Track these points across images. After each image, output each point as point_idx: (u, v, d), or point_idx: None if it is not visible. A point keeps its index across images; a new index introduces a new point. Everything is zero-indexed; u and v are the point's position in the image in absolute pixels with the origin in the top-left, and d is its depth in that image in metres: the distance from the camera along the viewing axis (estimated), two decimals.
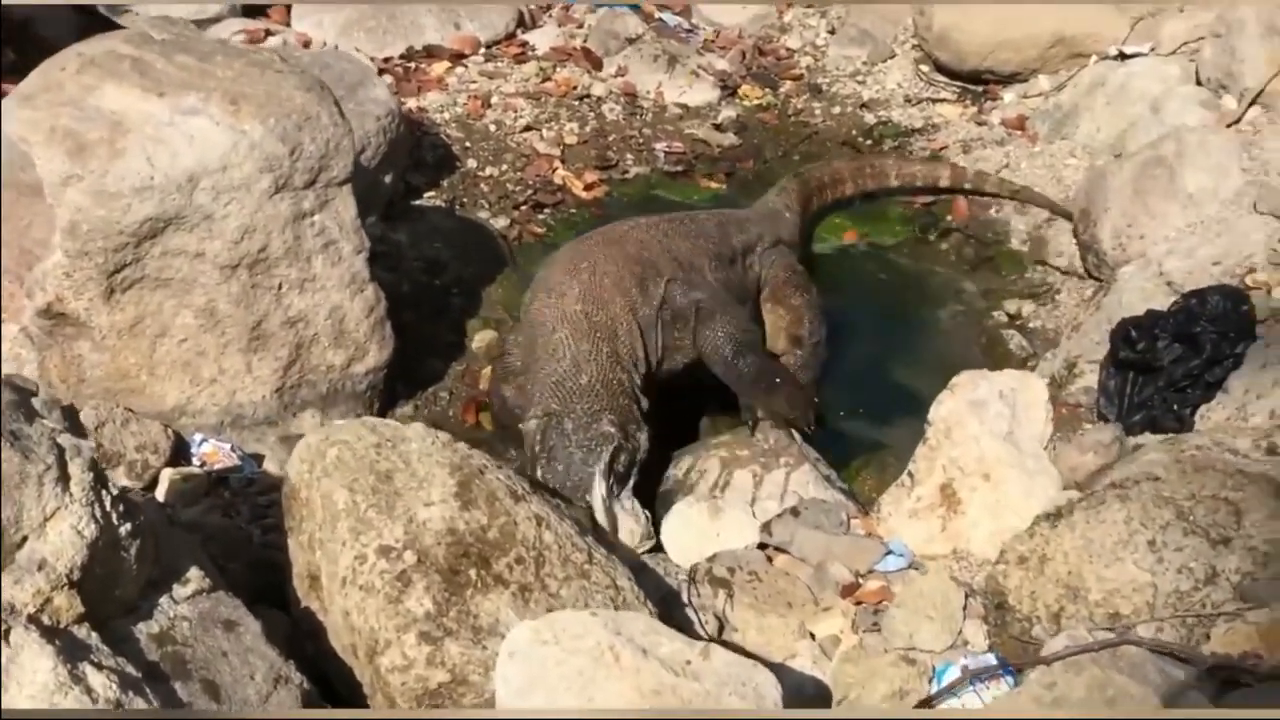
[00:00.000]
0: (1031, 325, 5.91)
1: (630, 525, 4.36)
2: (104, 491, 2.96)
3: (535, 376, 4.83)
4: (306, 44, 7.52)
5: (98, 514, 2.92)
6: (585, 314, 4.89)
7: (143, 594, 3.12)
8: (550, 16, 8.43)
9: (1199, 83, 6.52)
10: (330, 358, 4.97)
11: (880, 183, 6.88)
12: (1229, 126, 5.99)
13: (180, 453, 4.63)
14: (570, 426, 4.58)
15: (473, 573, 3.34)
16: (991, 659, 3.50)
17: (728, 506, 4.30)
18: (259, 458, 4.79)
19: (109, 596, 3.01)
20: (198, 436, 4.72)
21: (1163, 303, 5.23)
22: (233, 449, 4.71)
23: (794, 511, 4.18)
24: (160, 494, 4.40)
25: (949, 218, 6.70)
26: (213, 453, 4.68)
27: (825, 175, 6.75)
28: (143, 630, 3.05)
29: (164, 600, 3.13)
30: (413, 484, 3.46)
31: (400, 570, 3.31)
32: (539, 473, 4.51)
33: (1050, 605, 3.58)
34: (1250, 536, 3.45)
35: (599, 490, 4.38)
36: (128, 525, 3.02)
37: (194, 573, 3.23)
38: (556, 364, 4.78)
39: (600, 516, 4.32)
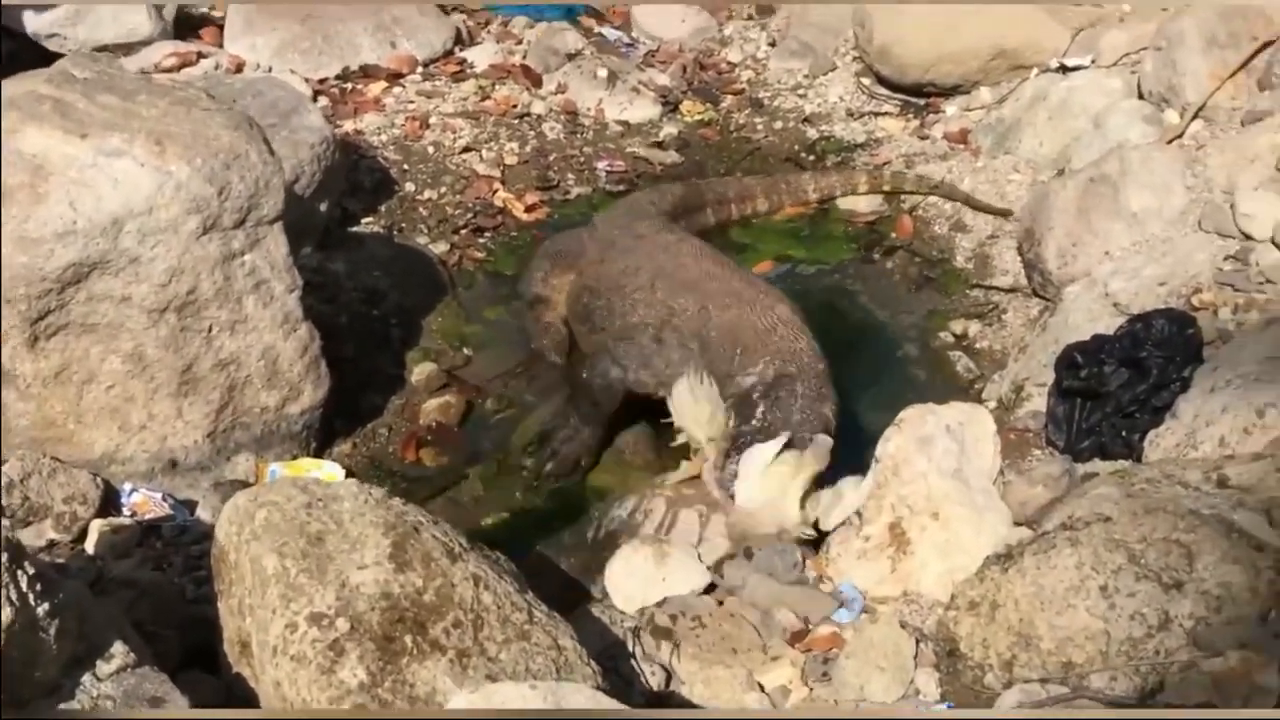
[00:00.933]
0: (978, 346, 5.85)
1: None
2: (20, 571, 2.85)
3: (750, 339, 5.02)
4: (239, 66, 7.38)
5: (13, 596, 2.81)
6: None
7: (65, 672, 3.01)
8: (489, 33, 8.34)
9: (1141, 96, 6.47)
10: (264, 399, 4.85)
11: (797, 198, 6.90)
12: (1171, 141, 5.94)
13: (110, 502, 4.51)
14: (801, 390, 4.77)
15: (408, 639, 3.23)
16: (943, 710, 3.43)
17: (674, 549, 4.20)
18: (192, 505, 4.67)
19: (28, 679, 2.89)
20: (128, 485, 4.60)
21: (1109, 323, 5.18)
22: (164, 497, 4.59)
23: (747, 553, 4.10)
24: (90, 546, 4.27)
25: (893, 235, 6.64)
26: (143, 502, 4.55)
27: (730, 191, 6.78)
28: (65, 712, 2.94)
29: (87, 678, 3.02)
30: (345, 546, 3.35)
31: (333, 639, 3.19)
32: (744, 416, 4.74)
33: (1002, 653, 3.51)
34: (1203, 580, 3.39)
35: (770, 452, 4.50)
36: (46, 604, 2.90)
37: (118, 647, 3.12)
38: (791, 338, 5.01)
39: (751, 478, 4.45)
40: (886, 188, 6.90)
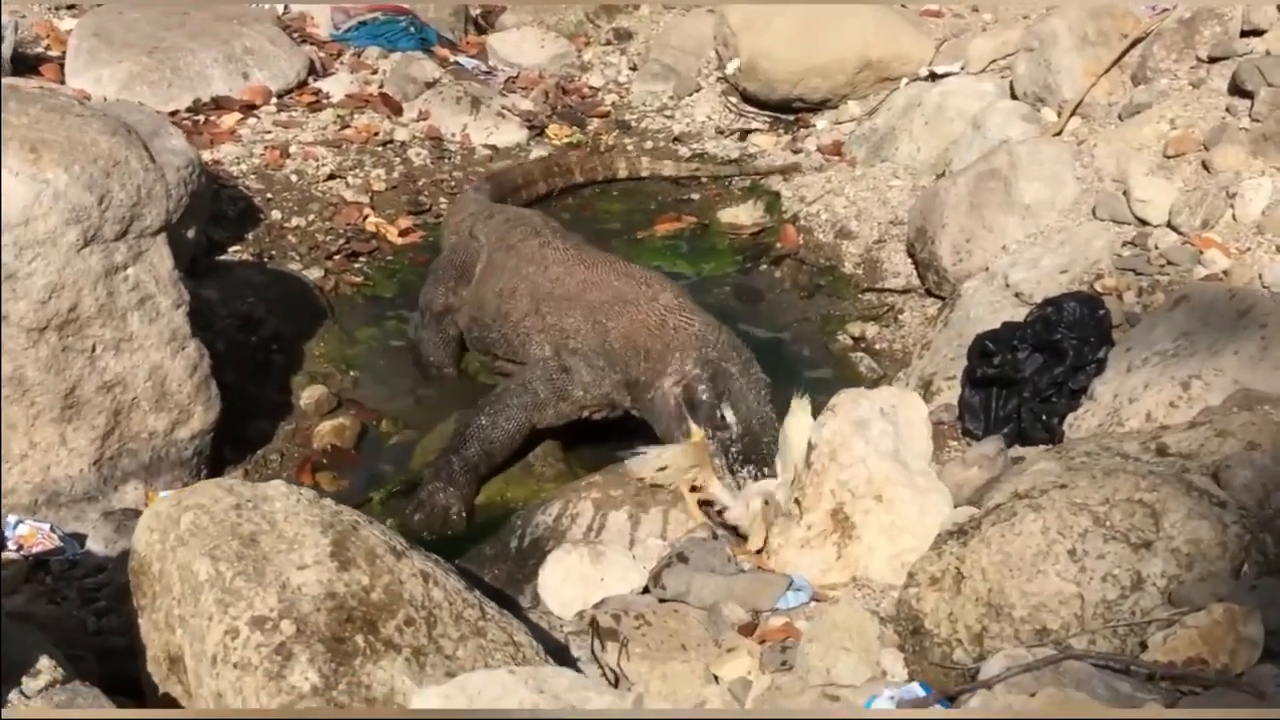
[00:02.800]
0: (878, 346, 5.81)
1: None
2: None
3: (648, 340, 4.94)
4: (85, 101, 7.05)
5: None
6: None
7: None
8: (342, 64, 8.13)
9: (1015, 97, 6.51)
10: (152, 423, 4.57)
11: (568, 179, 7.13)
12: (1053, 138, 5.97)
13: None
14: (736, 371, 4.74)
15: (360, 639, 3.01)
16: (917, 689, 3.29)
17: (608, 550, 4.03)
18: (81, 537, 4.36)
19: None
20: (11, 518, 4.27)
21: (1012, 314, 5.17)
22: (52, 529, 4.28)
23: (681, 557, 3.92)
24: None
25: (779, 245, 6.58)
26: (29, 535, 4.23)
27: (518, 176, 6.91)
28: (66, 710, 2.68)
29: (14, 696, 2.75)
30: (282, 546, 3.12)
31: (279, 642, 2.96)
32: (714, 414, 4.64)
33: (971, 626, 3.39)
34: (1172, 538, 3.31)
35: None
36: None
37: (45, 663, 2.86)
38: (685, 324, 4.92)
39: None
40: (645, 173, 7.23)
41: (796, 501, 4.04)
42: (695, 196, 7.13)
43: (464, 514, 4.83)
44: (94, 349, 4.39)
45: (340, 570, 3.10)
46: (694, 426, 4.64)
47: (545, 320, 5.23)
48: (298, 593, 3.04)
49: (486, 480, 5.00)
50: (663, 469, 4.53)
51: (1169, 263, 5.05)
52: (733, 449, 4.54)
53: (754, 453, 4.52)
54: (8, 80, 6.73)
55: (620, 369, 4.98)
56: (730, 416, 4.61)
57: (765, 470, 4.43)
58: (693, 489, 4.48)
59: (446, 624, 3.13)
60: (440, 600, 3.16)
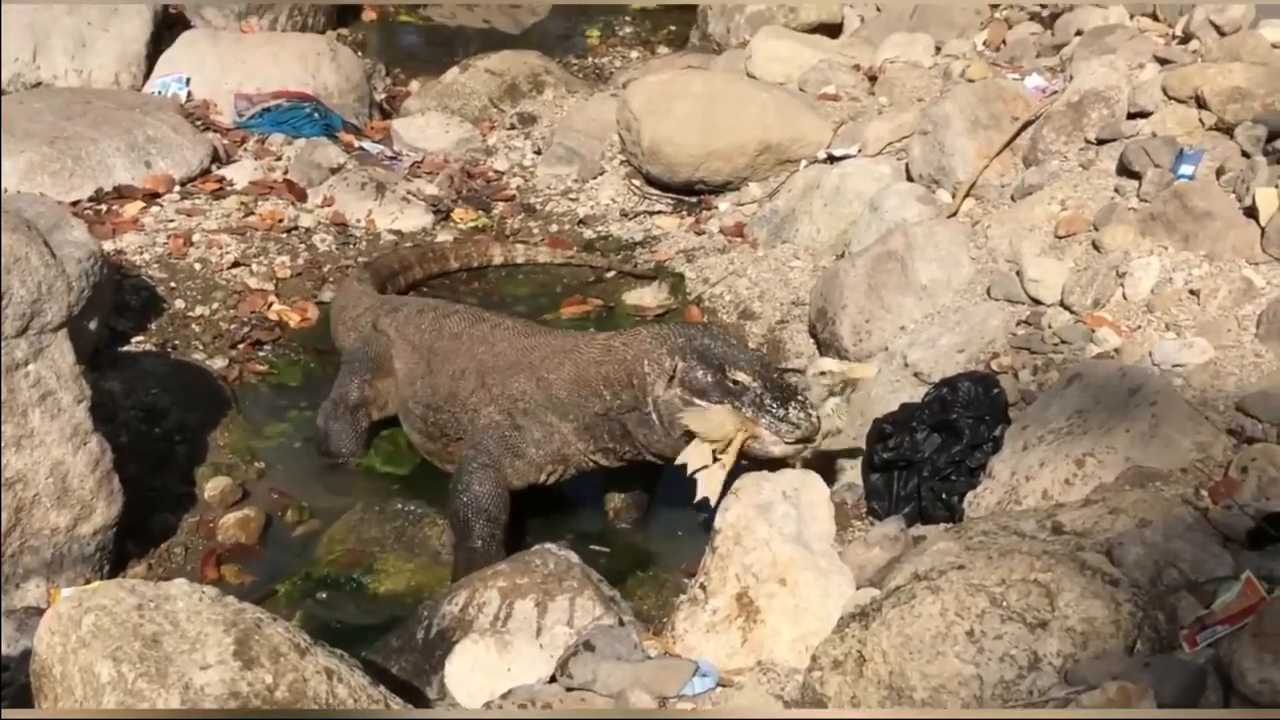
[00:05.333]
0: None
1: None
2: None
3: (599, 372, 5.04)
4: None
5: None
6: None
7: None
8: (246, 150, 8.15)
9: (910, 179, 6.64)
10: (54, 519, 4.52)
11: (443, 265, 7.21)
12: (948, 219, 6.10)
13: None
14: (709, 340, 4.92)
15: None
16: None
17: (515, 639, 4.03)
18: None
19: None
20: None
21: (911, 393, 5.26)
22: None
23: (588, 645, 3.93)
24: None
25: None
26: None
27: (395, 262, 6.95)
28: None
29: None
30: (184, 646, 3.11)
31: None
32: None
33: (873, 709, 3.43)
34: (1066, 617, 3.38)
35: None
36: None
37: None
38: (632, 341, 5.05)
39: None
40: (520, 260, 7.41)
41: (702, 586, 4.08)
42: (603, 279, 7.18)
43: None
44: None
45: (244, 669, 3.09)
46: (715, 407, 4.76)
47: (492, 392, 5.29)
48: (200, 693, 3.03)
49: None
50: (705, 432, 4.75)
51: (1062, 341, 5.16)
52: (766, 399, 4.72)
53: (784, 390, 4.78)
54: None
55: (575, 414, 5.05)
56: (742, 376, 4.74)
57: (801, 398, 4.78)
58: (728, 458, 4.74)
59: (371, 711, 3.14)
60: (345, 697, 3.16)
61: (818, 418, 4.77)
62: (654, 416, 4.89)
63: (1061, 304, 5.33)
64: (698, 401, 4.78)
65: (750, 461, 4.74)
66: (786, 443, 4.73)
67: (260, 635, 3.19)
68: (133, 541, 4.96)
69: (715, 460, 4.74)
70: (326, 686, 3.15)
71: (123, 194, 7.36)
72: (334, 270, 7.02)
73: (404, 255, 7.08)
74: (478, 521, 5.01)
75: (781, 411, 4.70)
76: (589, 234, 7.57)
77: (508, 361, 5.28)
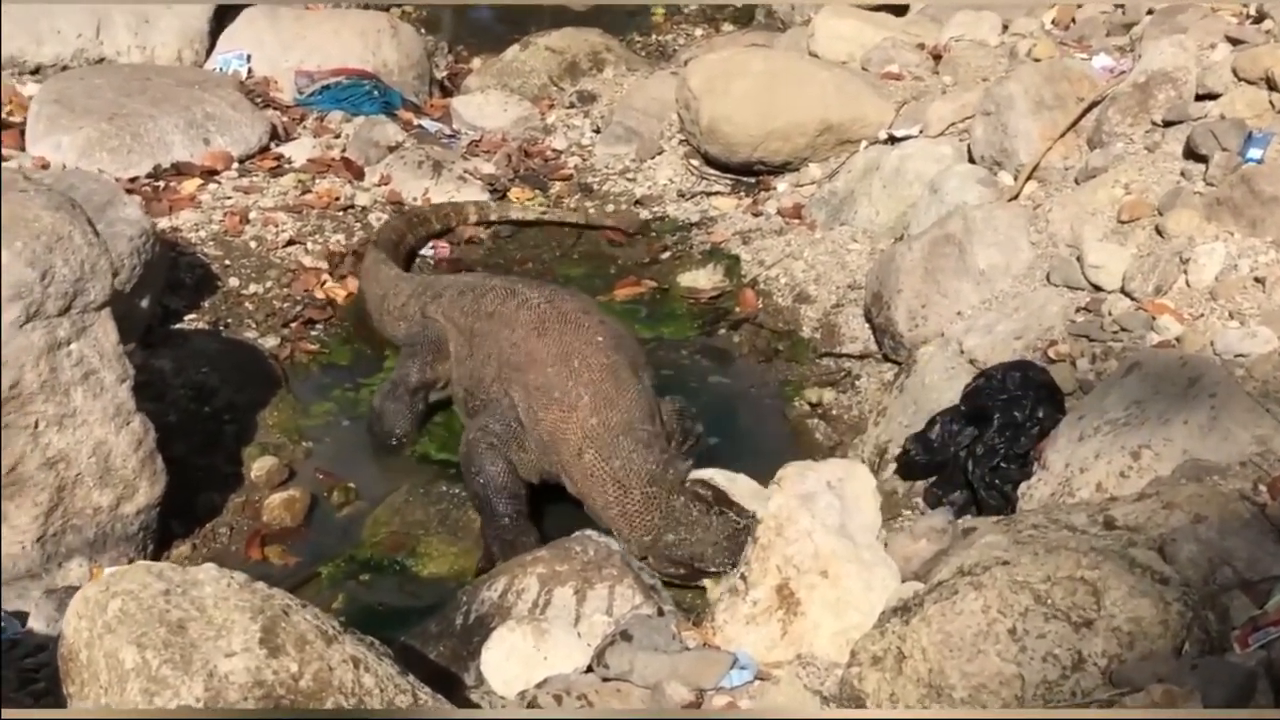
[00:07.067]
0: (834, 413, 5.78)
1: None
2: None
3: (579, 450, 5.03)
4: (45, 167, 7.03)
5: None
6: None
7: None
8: (304, 128, 8.13)
9: (973, 160, 6.52)
10: (96, 499, 4.52)
11: (427, 228, 7.19)
12: (1009, 202, 5.97)
13: None
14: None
15: None
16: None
17: (552, 627, 3.98)
18: (22, 616, 4.30)
19: None
20: None
21: (966, 380, 5.15)
22: None
23: (625, 635, 3.87)
24: None
25: (737, 309, 6.57)
26: None
27: (391, 234, 6.90)
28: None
29: None
30: (210, 633, 3.07)
31: None
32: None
33: (912, 706, 3.35)
34: (1113, 616, 3.28)
35: None
36: None
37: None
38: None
39: None
40: (493, 217, 7.43)
41: (743, 577, 4.01)
42: (657, 260, 7.12)
43: (539, 540, 4.89)
44: (36, 425, 4.35)
45: (269, 657, 3.05)
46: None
47: (504, 385, 5.27)
48: (225, 681, 2.99)
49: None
50: None
51: (1122, 329, 5.04)
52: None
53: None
54: None
55: (543, 460, 5.11)
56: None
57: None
58: None
59: (377, 711, 3.09)
60: (371, 686, 3.11)
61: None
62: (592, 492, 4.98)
63: (1122, 291, 5.20)
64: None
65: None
66: None
67: (287, 622, 3.14)
68: (178, 521, 4.97)
69: None
70: (353, 675, 3.10)
71: (181, 171, 7.36)
72: None
73: (395, 225, 7.04)
74: (499, 499, 5.00)
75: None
76: (645, 214, 7.48)
77: (517, 362, 5.27)
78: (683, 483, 4.82)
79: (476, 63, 9.75)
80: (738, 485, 4.77)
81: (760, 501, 4.44)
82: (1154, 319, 5.00)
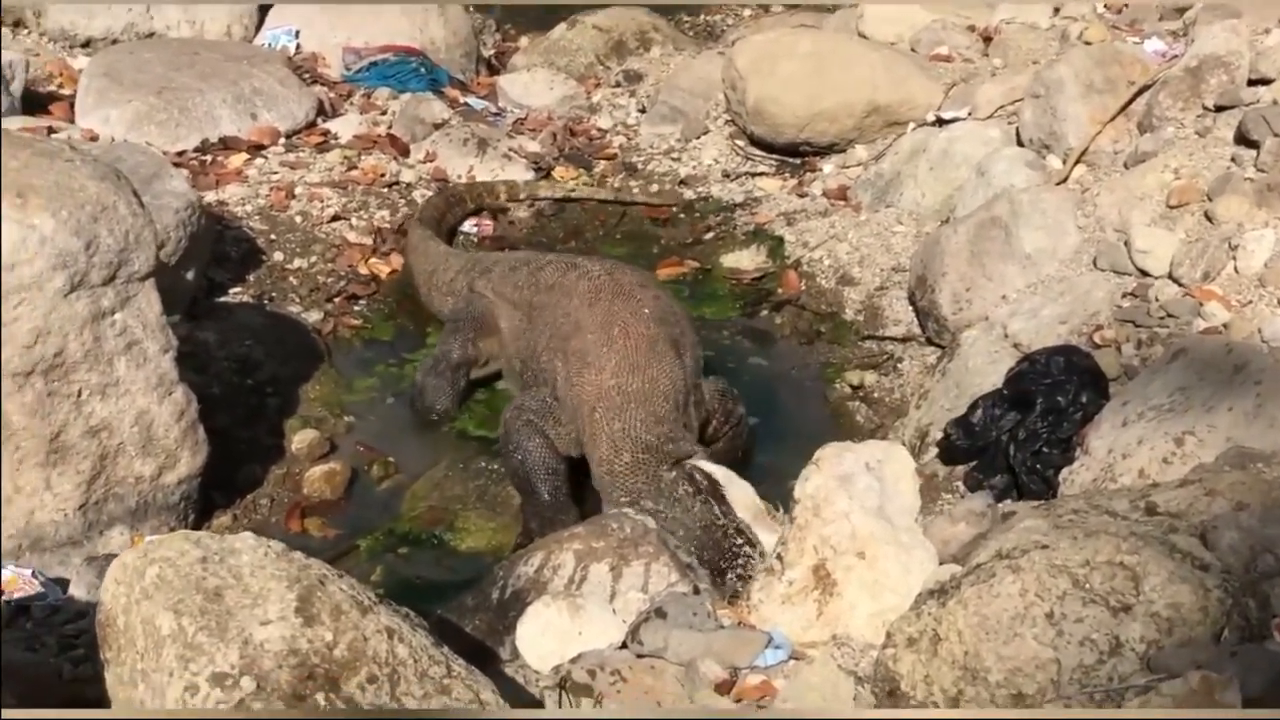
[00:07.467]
0: (876, 395, 5.77)
1: None
2: None
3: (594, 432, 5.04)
4: (93, 139, 7.08)
5: None
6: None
7: None
8: (351, 105, 8.14)
9: (1021, 144, 6.47)
10: (138, 468, 4.56)
11: (464, 206, 7.20)
12: (1056, 186, 5.92)
13: None
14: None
15: (320, 697, 2.97)
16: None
17: (587, 603, 3.98)
18: (64, 583, 4.35)
19: None
20: None
21: (1010, 364, 5.12)
22: (34, 575, 4.28)
23: (660, 612, 3.87)
24: None
25: (780, 291, 6.54)
26: (11, 580, 4.23)
27: (433, 210, 6.93)
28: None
29: None
30: (246, 601, 3.09)
31: (238, 700, 2.92)
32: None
33: (947, 689, 3.33)
34: (1152, 602, 3.25)
35: None
36: None
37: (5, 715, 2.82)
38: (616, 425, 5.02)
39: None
40: (523, 196, 7.43)
41: (779, 557, 4.00)
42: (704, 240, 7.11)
43: (578, 518, 4.88)
44: (80, 394, 4.38)
45: (304, 626, 3.06)
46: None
47: (551, 356, 5.34)
48: (260, 649, 3.00)
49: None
50: None
51: (1169, 315, 5.00)
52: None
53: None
54: (10, 120, 6.77)
55: (574, 428, 5.11)
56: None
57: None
58: None
59: (410, 682, 3.09)
60: (405, 657, 3.12)
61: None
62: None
63: (1170, 276, 5.16)
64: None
65: None
66: None
67: (323, 592, 3.15)
68: (219, 492, 5.01)
69: None
70: (387, 645, 3.11)
71: (228, 145, 7.39)
72: None
73: (435, 202, 7.06)
74: (537, 476, 5.02)
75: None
76: (689, 194, 7.47)
77: (566, 329, 5.30)
78: (679, 461, 4.79)
79: (524, 41, 9.74)
80: (734, 487, 4.67)
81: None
82: (1201, 305, 4.95)
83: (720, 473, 4.70)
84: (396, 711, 2.98)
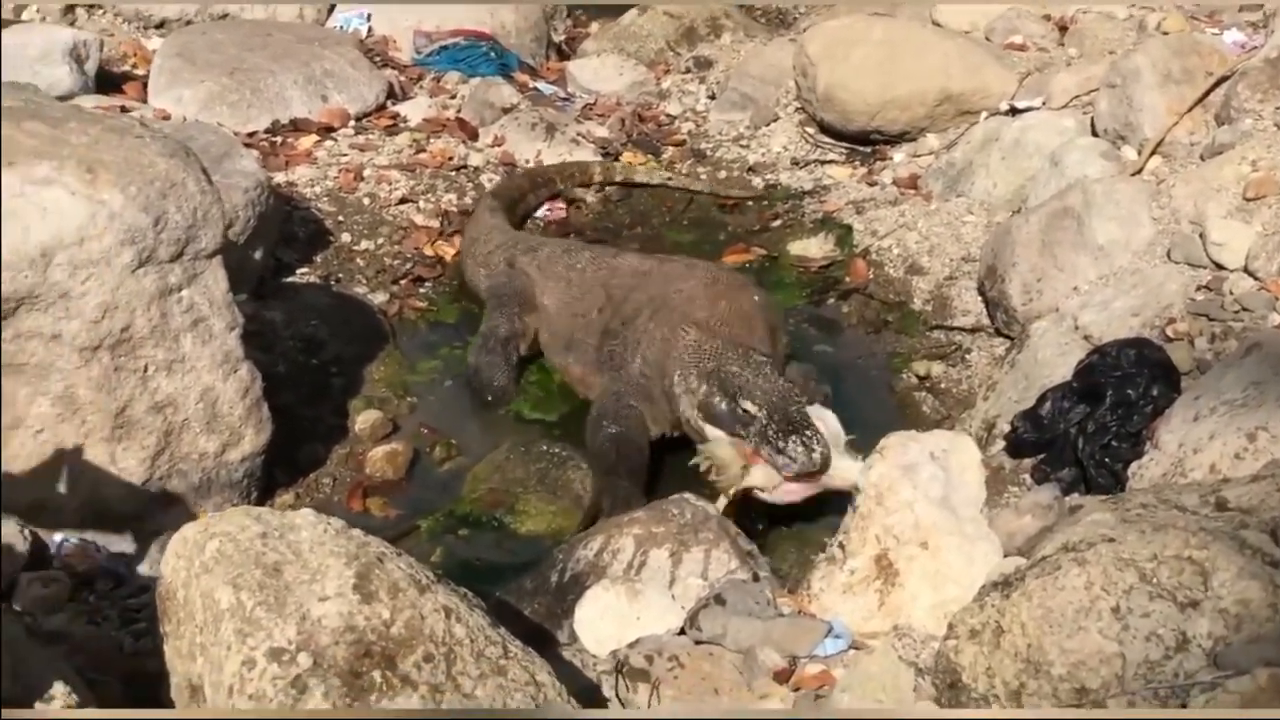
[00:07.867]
0: (943, 386, 5.70)
1: None
2: None
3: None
4: (166, 119, 7.12)
5: None
6: None
7: None
8: (421, 88, 8.16)
9: (1095, 134, 6.38)
10: (203, 444, 4.57)
11: (551, 188, 7.26)
12: (1131, 176, 5.83)
13: (39, 555, 4.20)
14: (736, 367, 4.88)
15: (376, 674, 2.96)
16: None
17: (646, 588, 3.96)
18: (127, 557, 4.37)
19: None
20: (58, 536, 4.29)
21: (1080, 357, 5.04)
22: (97, 549, 4.29)
23: (719, 599, 3.84)
24: (17, 601, 3.96)
25: (847, 279, 6.49)
26: (75, 553, 4.25)
27: (514, 190, 6.97)
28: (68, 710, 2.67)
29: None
30: (305, 577, 3.08)
31: (294, 675, 2.92)
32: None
33: (1009, 682, 3.28)
34: (1220, 598, 3.19)
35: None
36: None
37: (59, 688, 2.84)
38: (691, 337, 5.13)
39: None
40: (619, 178, 7.47)
41: (841, 546, 3.96)
42: (771, 227, 7.06)
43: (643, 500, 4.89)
44: (146, 369, 4.40)
45: (362, 603, 3.06)
46: (721, 434, 4.79)
47: (651, 321, 5.38)
48: (317, 625, 3.00)
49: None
50: (713, 464, 4.77)
51: (1243, 309, 4.92)
52: (770, 431, 4.65)
53: (789, 424, 4.67)
54: (84, 99, 6.82)
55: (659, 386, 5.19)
56: (750, 406, 4.72)
57: (808, 434, 4.65)
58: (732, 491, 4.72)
59: (466, 661, 3.08)
60: (462, 637, 3.11)
61: (821, 455, 4.63)
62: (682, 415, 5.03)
63: (1245, 270, 5.07)
64: (708, 431, 4.85)
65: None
66: (785, 476, 4.67)
67: (381, 570, 3.15)
68: (282, 470, 5.02)
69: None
70: (444, 625, 3.10)
71: (298, 127, 7.42)
72: None
73: (519, 182, 7.09)
74: (625, 451, 5.07)
75: (782, 444, 4.63)
76: (758, 181, 7.43)
77: (674, 302, 5.36)
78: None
79: (594, 26, 9.74)
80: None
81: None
82: (1277, 299, 4.87)
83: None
84: (450, 711, 2.96)
